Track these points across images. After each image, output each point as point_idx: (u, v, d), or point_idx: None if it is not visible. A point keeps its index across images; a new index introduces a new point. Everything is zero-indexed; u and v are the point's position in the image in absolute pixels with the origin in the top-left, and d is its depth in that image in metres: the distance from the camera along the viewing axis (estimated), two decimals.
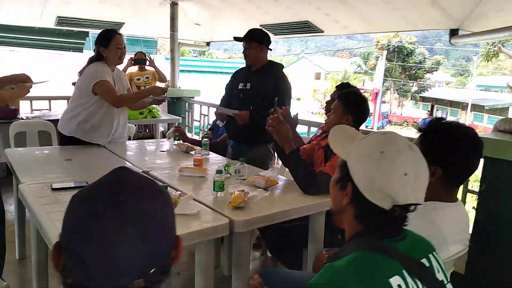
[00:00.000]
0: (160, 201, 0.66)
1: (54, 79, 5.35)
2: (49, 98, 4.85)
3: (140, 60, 4.93)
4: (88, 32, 6.05)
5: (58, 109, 4.89)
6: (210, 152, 2.82)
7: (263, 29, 3.08)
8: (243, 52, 3.06)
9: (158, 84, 5.22)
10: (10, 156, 2.41)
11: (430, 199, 1.35)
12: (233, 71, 3.25)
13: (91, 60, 2.89)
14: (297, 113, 2.59)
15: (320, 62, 41.09)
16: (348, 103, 2.11)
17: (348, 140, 1.01)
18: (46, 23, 5.43)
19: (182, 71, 12.06)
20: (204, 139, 2.82)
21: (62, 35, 5.78)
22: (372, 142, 0.95)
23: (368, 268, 0.86)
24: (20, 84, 2.17)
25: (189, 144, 2.87)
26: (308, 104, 30.16)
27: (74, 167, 2.33)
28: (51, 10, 5.23)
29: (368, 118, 2.32)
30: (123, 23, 5.95)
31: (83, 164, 2.44)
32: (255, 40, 2.92)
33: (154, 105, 4.44)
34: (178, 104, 5.55)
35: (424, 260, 0.95)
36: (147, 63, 5.00)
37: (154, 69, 5.07)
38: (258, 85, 2.91)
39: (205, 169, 2.27)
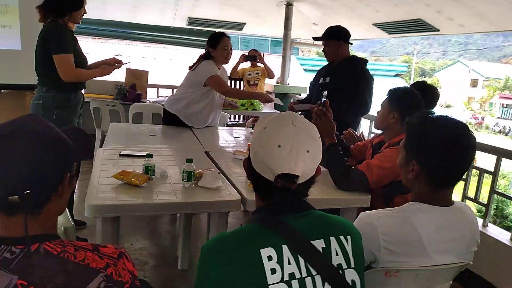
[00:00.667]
0: (40, 146, 0.84)
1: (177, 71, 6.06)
2: (172, 87, 5.57)
3: (250, 57, 5.28)
4: (215, 31, 6.70)
5: None
6: None
7: (339, 25, 3.07)
8: (322, 51, 3.11)
9: (267, 80, 5.52)
10: (110, 128, 2.93)
11: (416, 198, 1.27)
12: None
13: (202, 58, 3.23)
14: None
15: (478, 67, 36.86)
16: (394, 100, 2.01)
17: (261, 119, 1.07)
18: (178, 23, 6.23)
19: (309, 70, 12.28)
20: None
21: (193, 34, 6.53)
22: (266, 120, 1.01)
23: (244, 239, 0.93)
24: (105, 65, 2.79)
25: None
26: (458, 112, 27.35)
27: (152, 141, 2.72)
28: (183, 12, 5.99)
29: None
30: (245, 23, 6.44)
31: (163, 140, 2.82)
32: (332, 38, 2.95)
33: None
34: (285, 100, 5.75)
35: (319, 241, 0.95)
36: (257, 59, 5.31)
37: (263, 66, 5.36)
38: (337, 79, 2.94)
39: None
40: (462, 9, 3.72)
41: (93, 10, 6.06)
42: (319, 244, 0.95)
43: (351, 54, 3.10)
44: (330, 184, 2.02)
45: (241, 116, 5.95)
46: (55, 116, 2.59)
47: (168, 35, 6.54)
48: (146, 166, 1.82)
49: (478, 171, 2.76)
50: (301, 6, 5.67)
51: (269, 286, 0.87)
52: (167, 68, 8.84)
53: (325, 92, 2.20)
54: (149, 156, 1.86)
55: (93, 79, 2.86)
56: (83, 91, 2.84)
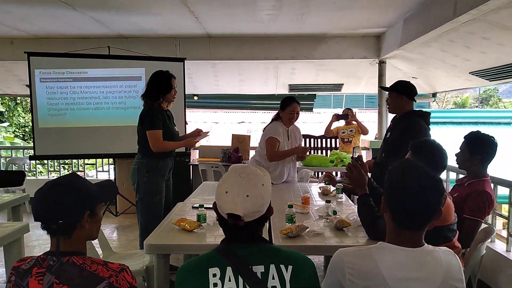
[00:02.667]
0: (69, 191, 1.30)
1: None
2: None
3: (342, 115, 5.53)
4: (315, 94, 7.17)
5: None
6: (344, 196, 3.10)
7: (408, 81, 3.17)
8: (386, 100, 3.22)
9: (362, 136, 5.65)
10: (200, 186, 3.52)
11: (387, 238, 1.40)
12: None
13: (272, 119, 3.72)
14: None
15: None
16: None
17: None
18: (281, 90, 6.88)
19: (439, 123, 11.66)
20: (338, 184, 3.14)
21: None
22: (225, 173, 1.32)
23: (201, 260, 1.26)
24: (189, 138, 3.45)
25: (326, 188, 3.24)
26: None
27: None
28: (283, 80, 6.64)
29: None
30: (342, 84, 6.78)
31: None
32: (394, 90, 3.05)
33: (346, 155, 4.93)
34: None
35: (259, 266, 1.21)
36: (349, 117, 5.52)
37: (356, 123, 5.54)
38: (394, 133, 3.01)
39: (306, 206, 2.65)
40: None
41: (209, 86, 7.19)
42: (259, 268, 1.21)
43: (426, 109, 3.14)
44: (359, 235, 2.16)
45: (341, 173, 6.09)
46: (145, 178, 3.22)
47: (273, 101, 7.23)
48: (198, 215, 2.24)
49: None
50: (395, 62, 5.78)
51: None
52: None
53: (359, 149, 2.38)
54: (201, 206, 2.29)
55: (203, 145, 3.50)
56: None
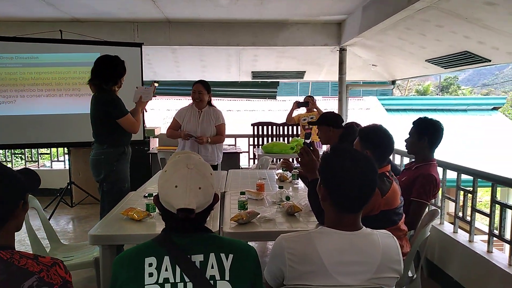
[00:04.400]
0: (5, 185, 1.23)
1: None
2: (234, 136, 6.06)
3: (302, 103, 5.55)
4: (278, 82, 7.16)
5: (242, 145, 6.06)
6: (300, 182, 3.12)
7: (332, 112, 3.34)
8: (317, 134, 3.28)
9: None
10: (155, 176, 3.42)
11: (325, 223, 1.41)
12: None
13: None
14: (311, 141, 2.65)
15: None
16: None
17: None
18: (244, 77, 6.83)
19: (392, 110, 11.97)
20: (294, 170, 3.15)
21: (258, 86, 7.05)
22: (167, 164, 1.27)
23: (138, 250, 1.22)
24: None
25: (283, 174, 3.25)
26: None
27: None
28: (246, 67, 6.58)
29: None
30: (305, 71, 6.79)
31: None
32: (322, 124, 3.18)
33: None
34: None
35: (199, 255, 1.18)
36: (310, 105, 5.55)
37: (317, 110, 5.57)
38: None
39: (260, 193, 2.64)
40: (502, 38, 3.57)
41: (170, 73, 7.03)
42: (198, 257, 1.18)
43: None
44: (308, 219, 2.18)
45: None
46: (114, 167, 3.14)
47: (237, 89, 7.17)
48: (147, 204, 2.19)
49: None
50: (355, 50, 5.85)
51: (145, 286, 1.14)
52: (240, 119, 9.57)
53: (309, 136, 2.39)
54: (151, 195, 2.23)
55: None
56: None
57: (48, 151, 6.19)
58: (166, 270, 1.15)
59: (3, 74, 4.47)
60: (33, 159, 6.20)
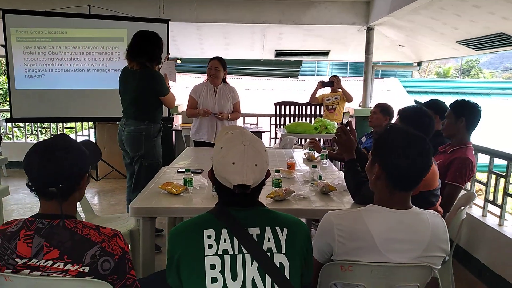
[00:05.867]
0: (69, 154, 1.26)
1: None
2: (256, 115, 6.05)
3: (327, 82, 5.49)
4: (301, 61, 7.08)
5: (263, 124, 6.06)
6: (328, 162, 3.12)
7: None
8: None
9: (347, 104, 5.64)
10: (184, 151, 3.46)
11: (376, 201, 1.42)
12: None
13: None
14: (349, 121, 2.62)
15: None
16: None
17: (219, 137, 1.34)
18: (267, 56, 6.76)
19: (412, 92, 11.77)
20: (323, 150, 3.15)
21: (281, 65, 6.99)
22: (222, 140, 1.27)
23: (196, 222, 1.24)
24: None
25: (311, 154, 3.24)
26: None
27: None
28: (270, 45, 6.51)
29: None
30: (329, 51, 6.70)
31: None
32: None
33: (331, 122, 4.94)
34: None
35: (255, 228, 1.20)
36: (334, 85, 5.49)
37: (341, 91, 5.51)
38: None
39: (291, 171, 2.65)
40: None
41: (193, 50, 7.01)
42: (255, 230, 1.20)
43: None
44: (344, 199, 2.19)
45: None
46: (153, 143, 3.20)
47: (259, 67, 7.12)
48: (184, 179, 2.22)
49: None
50: (383, 29, 5.73)
51: (205, 257, 1.16)
52: (258, 98, 9.54)
53: (349, 115, 2.37)
54: (188, 170, 2.26)
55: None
56: None
57: (73, 126, 6.28)
58: (225, 242, 1.18)
59: (32, 48, 4.52)
60: (58, 133, 6.30)
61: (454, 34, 4.73)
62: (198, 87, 3.89)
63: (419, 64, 6.84)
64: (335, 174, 2.76)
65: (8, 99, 4.75)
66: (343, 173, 2.78)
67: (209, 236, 1.18)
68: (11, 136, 6.22)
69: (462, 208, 2.20)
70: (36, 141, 5.95)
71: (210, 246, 1.17)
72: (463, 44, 4.94)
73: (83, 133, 6.27)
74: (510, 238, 2.67)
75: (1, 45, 6.28)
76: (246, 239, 1.18)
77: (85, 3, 4.72)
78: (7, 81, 4.65)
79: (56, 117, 4.89)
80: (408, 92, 11.93)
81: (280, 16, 5.50)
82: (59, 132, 6.27)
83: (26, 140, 6.28)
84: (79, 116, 4.88)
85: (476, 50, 4.98)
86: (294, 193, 2.17)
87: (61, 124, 6.22)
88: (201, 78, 9.58)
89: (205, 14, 5.49)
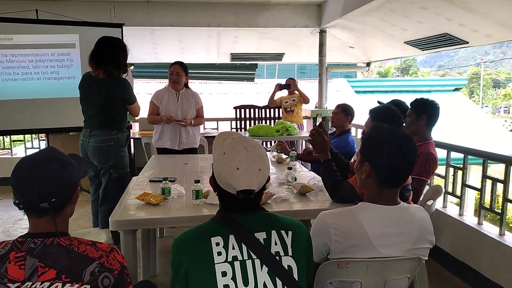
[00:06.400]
0: (61, 167, 1.20)
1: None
2: (216, 120, 6.04)
3: (284, 85, 5.59)
4: (257, 64, 7.15)
5: (224, 128, 6.06)
6: (297, 164, 3.18)
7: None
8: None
9: (304, 106, 5.77)
10: (150, 160, 3.38)
11: (366, 199, 1.47)
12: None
13: None
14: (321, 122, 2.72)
15: None
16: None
17: (220, 143, 1.33)
18: (223, 59, 6.76)
19: (361, 92, 12.25)
20: (292, 152, 3.20)
21: (237, 68, 7.01)
22: (223, 146, 1.27)
23: (201, 230, 1.23)
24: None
25: (280, 156, 3.29)
26: None
27: (182, 168, 3.08)
28: (226, 49, 6.51)
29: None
30: (283, 54, 6.82)
31: (193, 166, 3.18)
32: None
33: (291, 124, 5.03)
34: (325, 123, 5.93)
35: (261, 233, 1.21)
36: (291, 87, 5.60)
37: (298, 93, 5.63)
38: None
39: None
40: (482, 20, 3.74)
41: (147, 55, 6.85)
42: (261, 235, 1.21)
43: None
44: (321, 198, 2.25)
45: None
46: (122, 153, 3.11)
47: (215, 71, 7.10)
48: (162, 188, 2.17)
49: (491, 181, 2.78)
50: (335, 32, 5.91)
51: (215, 265, 1.16)
52: (213, 102, 9.53)
53: (320, 117, 2.44)
54: (165, 179, 2.21)
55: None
56: None
57: (22, 138, 5.91)
58: (233, 248, 1.17)
59: None
60: (5, 146, 5.91)
61: (402, 35, 5.00)
62: (159, 92, 3.81)
63: (368, 64, 7.15)
64: (307, 175, 2.82)
65: None
66: (313, 174, 2.86)
67: (217, 244, 1.17)
68: None
69: (430, 200, 2.33)
70: None
71: (219, 253, 1.17)
72: (410, 45, 5.23)
73: (32, 145, 5.92)
74: (470, 226, 2.86)
75: None
76: (254, 244, 1.19)
77: (32, 8, 4.46)
78: None
79: (6, 129, 4.57)
80: (356, 92, 12.43)
81: (235, 19, 5.53)
82: (6, 145, 5.88)
83: None
84: (30, 128, 4.60)
85: (422, 50, 5.29)
86: (274, 196, 2.20)
87: (8, 137, 5.82)
88: (153, 83, 9.38)
89: (159, 17, 5.39)
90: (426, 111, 2.69)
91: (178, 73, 3.72)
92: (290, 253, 1.21)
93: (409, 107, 2.79)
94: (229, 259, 1.16)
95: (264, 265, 1.17)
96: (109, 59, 2.95)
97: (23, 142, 5.93)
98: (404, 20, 4.50)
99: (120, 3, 5.25)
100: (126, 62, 3.07)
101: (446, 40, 4.60)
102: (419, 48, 5.26)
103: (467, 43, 4.43)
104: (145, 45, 6.35)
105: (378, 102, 2.85)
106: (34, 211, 1.19)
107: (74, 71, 4.55)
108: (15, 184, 1.18)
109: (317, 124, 2.39)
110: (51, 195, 1.17)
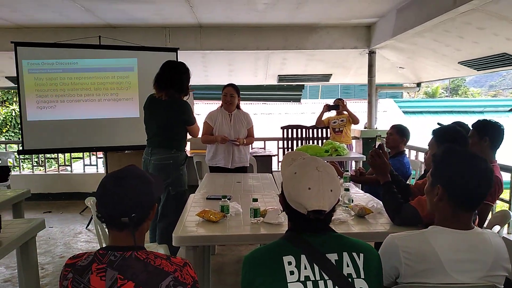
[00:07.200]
0: (142, 184, 1.27)
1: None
2: (263, 139, 6.10)
3: (333, 106, 5.58)
4: (303, 85, 7.19)
5: (270, 148, 6.11)
6: (352, 185, 3.14)
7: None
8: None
9: (353, 126, 5.72)
10: (204, 178, 3.47)
11: (438, 222, 1.43)
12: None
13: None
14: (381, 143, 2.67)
15: None
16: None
17: (288, 163, 1.36)
18: (270, 81, 6.87)
19: (409, 112, 11.97)
20: (345, 172, 3.17)
21: (283, 89, 7.09)
22: (294, 165, 1.29)
23: (272, 249, 1.25)
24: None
25: None
26: None
27: (236, 186, 3.14)
28: (273, 71, 6.62)
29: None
30: (331, 74, 6.82)
31: (245, 185, 3.23)
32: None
33: (340, 144, 5.00)
34: (373, 144, 5.83)
35: (333, 254, 1.21)
36: (340, 108, 5.58)
37: (347, 113, 5.60)
38: None
39: None
40: None
41: (197, 78, 7.08)
42: (333, 256, 1.21)
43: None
44: (381, 221, 2.20)
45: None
46: (181, 172, 3.22)
47: (262, 92, 7.22)
48: (221, 206, 2.22)
49: None
50: (384, 52, 5.87)
51: (288, 284, 1.16)
52: (265, 122, 9.65)
53: (381, 139, 2.41)
54: (224, 197, 2.26)
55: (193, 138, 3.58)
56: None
57: (81, 155, 6.24)
58: (305, 268, 1.18)
59: (44, 80, 4.53)
60: (66, 163, 6.26)
61: (456, 55, 4.87)
62: (213, 113, 3.93)
63: (419, 85, 7.00)
64: (363, 197, 2.78)
65: (18, 131, 4.70)
66: (370, 196, 2.81)
67: (289, 263, 1.18)
68: (18, 168, 6.16)
69: (498, 226, 2.22)
70: (43, 172, 5.93)
71: (291, 272, 1.17)
72: (464, 65, 5.08)
73: (90, 162, 6.23)
74: None
75: (6, 77, 6.30)
76: (326, 265, 1.19)
77: (95, 34, 4.78)
78: (19, 113, 4.62)
79: (68, 147, 4.87)
80: (404, 112, 12.16)
81: (284, 42, 5.62)
82: (66, 162, 6.23)
83: (33, 171, 6.21)
84: (90, 146, 4.87)
85: (477, 70, 5.12)
86: (333, 217, 2.18)
87: (68, 154, 6.17)
88: (201, 104, 9.61)
89: (210, 42, 5.59)
90: (489, 132, 2.59)
91: (232, 95, 3.86)
92: (362, 276, 1.20)
93: (471, 128, 2.70)
94: (302, 278, 1.17)
95: (336, 286, 1.17)
96: (171, 82, 3.09)
97: (81, 159, 6.26)
98: (459, 40, 4.39)
99: (174, 29, 5.51)
100: (188, 85, 3.20)
101: (504, 60, 4.44)
102: (474, 68, 5.09)
103: None
104: (196, 67, 6.57)
105: (438, 124, 2.78)
106: (115, 224, 1.26)
107: (131, 93, 4.80)
108: (101, 199, 1.26)
109: (376, 146, 2.37)
110: (132, 210, 1.23)
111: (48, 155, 6.32)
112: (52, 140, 4.61)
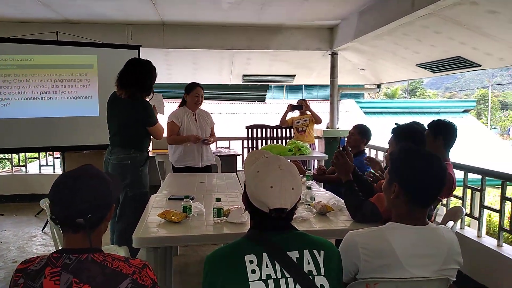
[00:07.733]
0: (99, 184, 1.23)
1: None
2: (228, 139, 6.09)
3: (297, 106, 5.65)
4: (268, 85, 7.24)
5: (235, 147, 6.10)
6: (314, 183, 3.18)
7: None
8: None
9: (315, 126, 5.81)
10: (166, 178, 3.40)
11: (394, 219, 1.48)
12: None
13: (179, 106, 3.95)
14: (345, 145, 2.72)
15: None
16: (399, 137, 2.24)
17: (251, 162, 1.36)
18: (235, 80, 6.86)
19: (370, 113, 12.27)
20: (308, 171, 3.21)
21: (248, 89, 7.10)
22: (257, 164, 1.30)
23: (234, 248, 1.24)
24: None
25: None
26: None
27: (200, 187, 3.10)
28: (238, 70, 6.62)
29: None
30: (294, 75, 6.90)
31: (209, 184, 3.20)
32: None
33: (303, 144, 5.06)
34: (335, 143, 5.93)
35: (294, 252, 1.21)
36: (303, 108, 5.65)
37: (310, 113, 5.68)
38: None
39: None
40: (496, 44, 3.78)
41: (160, 76, 6.95)
42: (294, 254, 1.22)
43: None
44: (341, 218, 2.25)
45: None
46: (140, 173, 3.12)
47: (226, 91, 7.20)
48: (184, 206, 2.19)
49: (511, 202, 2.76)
50: (346, 54, 6.00)
51: (250, 282, 1.16)
52: (230, 121, 9.63)
53: (345, 139, 2.46)
54: (187, 197, 2.23)
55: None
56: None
57: (36, 155, 5.99)
58: (267, 266, 1.18)
59: None
60: (20, 163, 5.98)
61: (414, 57, 5.05)
62: (178, 113, 3.87)
63: (379, 86, 7.21)
64: (325, 195, 2.82)
65: None
66: (331, 194, 2.86)
67: (251, 262, 1.18)
68: None
69: (452, 223, 2.32)
70: None
71: (253, 271, 1.17)
72: (422, 67, 5.28)
73: (47, 162, 5.98)
74: (490, 248, 2.83)
75: None
76: (288, 262, 1.19)
77: (52, 30, 4.59)
78: None
79: (23, 147, 4.65)
80: (365, 112, 12.47)
81: (248, 42, 5.63)
82: (21, 162, 5.95)
83: None
84: (46, 146, 4.67)
85: (434, 72, 5.33)
86: (295, 215, 2.20)
87: (23, 155, 5.89)
88: (174, 103, 9.46)
89: (174, 40, 5.51)
90: (443, 131, 2.70)
91: (202, 95, 3.86)
92: (322, 273, 1.21)
93: (427, 128, 2.80)
94: (263, 277, 1.17)
95: (297, 284, 1.17)
96: (132, 80, 3.01)
97: (37, 159, 6.00)
98: (417, 43, 4.56)
99: (136, 26, 5.38)
100: (151, 84, 3.12)
101: (458, 63, 4.64)
102: (431, 70, 5.30)
103: (480, 66, 4.47)
104: (159, 66, 6.41)
105: (396, 124, 2.87)
106: (70, 226, 1.21)
107: (91, 91, 4.64)
108: (54, 200, 1.20)
109: (342, 146, 2.42)
110: (87, 211, 1.19)
111: (1, 155, 6.01)
112: (5, 140, 4.38)
